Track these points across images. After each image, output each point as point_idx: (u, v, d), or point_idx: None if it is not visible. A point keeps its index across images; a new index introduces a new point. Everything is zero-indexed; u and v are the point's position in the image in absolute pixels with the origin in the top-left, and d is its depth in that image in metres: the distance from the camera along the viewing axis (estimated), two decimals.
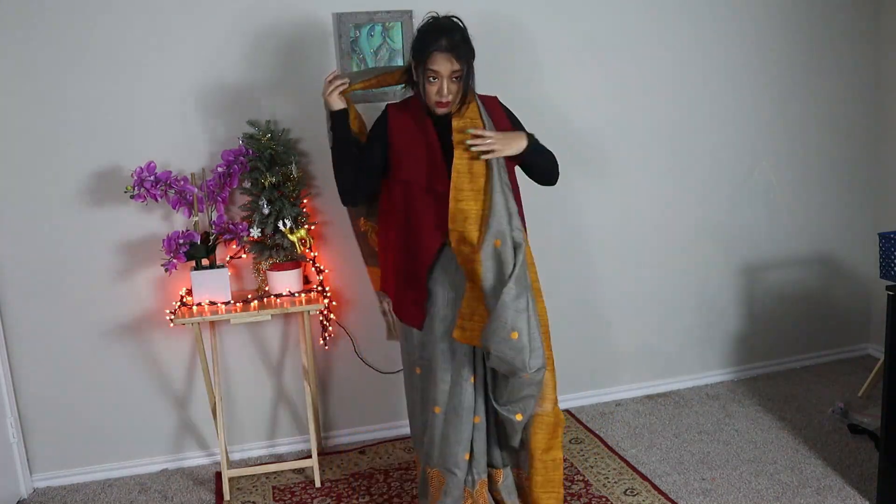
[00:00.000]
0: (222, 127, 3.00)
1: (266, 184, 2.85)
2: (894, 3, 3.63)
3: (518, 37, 3.24)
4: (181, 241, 2.81)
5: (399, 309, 2.47)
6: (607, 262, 3.52)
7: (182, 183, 2.83)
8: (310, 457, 3.03)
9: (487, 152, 2.26)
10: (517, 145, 2.31)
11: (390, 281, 2.49)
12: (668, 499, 2.75)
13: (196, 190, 2.86)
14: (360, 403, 3.32)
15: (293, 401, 3.26)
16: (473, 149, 2.26)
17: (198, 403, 3.18)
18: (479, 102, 2.38)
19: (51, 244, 2.94)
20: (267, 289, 2.99)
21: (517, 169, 2.47)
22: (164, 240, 2.83)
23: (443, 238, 2.35)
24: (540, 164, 2.43)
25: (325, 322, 3.07)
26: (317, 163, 3.10)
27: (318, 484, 2.97)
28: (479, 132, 2.27)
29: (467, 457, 2.44)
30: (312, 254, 3.02)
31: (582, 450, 3.16)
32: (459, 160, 2.29)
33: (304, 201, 3.03)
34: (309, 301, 2.89)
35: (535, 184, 2.55)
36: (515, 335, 2.18)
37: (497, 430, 2.51)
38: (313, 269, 3.03)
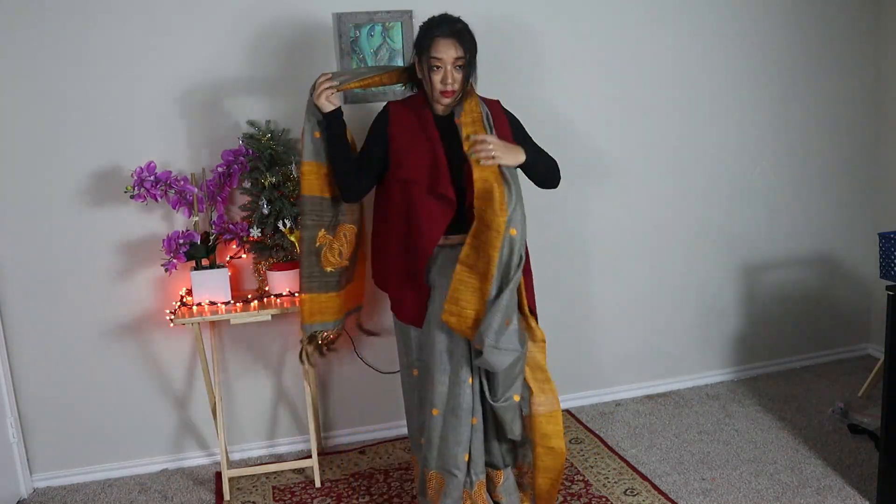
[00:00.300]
0: (222, 127, 3.00)
1: (266, 184, 2.85)
2: (894, 3, 3.63)
3: (518, 37, 3.24)
4: (181, 241, 2.81)
5: (398, 308, 2.48)
6: (607, 262, 3.52)
7: (182, 183, 2.83)
8: (310, 457, 3.03)
9: (488, 158, 2.26)
10: (515, 157, 2.32)
11: (389, 280, 2.50)
12: (668, 499, 2.75)
13: (196, 190, 2.86)
14: (360, 403, 3.32)
15: (293, 401, 3.26)
16: (474, 155, 2.26)
17: (198, 403, 3.18)
18: (482, 104, 2.39)
19: (51, 244, 2.94)
20: (267, 289, 2.99)
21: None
22: (164, 240, 2.83)
23: (441, 238, 2.36)
24: (539, 172, 2.46)
25: None
26: None
27: (318, 484, 2.97)
28: (482, 137, 2.27)
29: (466, 458, 2.43)
30: None
31: (582, 450, 3.16)
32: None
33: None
34: None
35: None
36: (508, 322, 2.29)
37: (496, 428, 2.51)
38: None
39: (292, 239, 2.87)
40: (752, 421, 3.33)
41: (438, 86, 2.28)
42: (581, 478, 2.93)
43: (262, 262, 2.98)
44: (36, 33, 2.80)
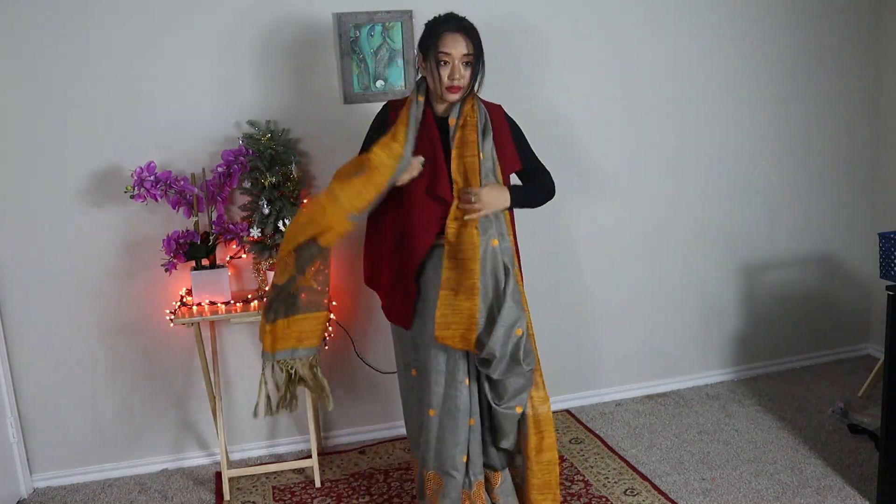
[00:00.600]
0: (222, 127, 3.00)
1: (266, 184, 2.85)
2: (894, 3, 3.63)
3: (518, 37, 3.24)
4: (181, 241, 2.81)
5: (388, 309, 2.47)
6: (607, 262, 3.52)
7: (182, 183, 2.83)
8: (310, 457, 3.03)
9: (472, 212, 2.29)
10: (499, 204, 2.33)
11: (381, 280, 2.49)
12: (668, 499, 2.75)
13: (196, 190, 2.86)
14: (359, 403, 3.32)
15: None
16: (463, 207, 2.29)
17: (198, 403, 3.18)
18: (479, 107, 2.37)
19: (51, 244, 2.94)
20: (267, 289, 2.98)
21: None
22: (164, 240, 2.83)
23: (436, 238, 2.35)
24: (529, 205, 2.47)
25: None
26: (317, 163, 3.10)
27: (318, 484, 2.97)
28: (470, 193, 2.27)
29: (464, 459, 2.43)
30: None
31: (582, 450, 3.16)
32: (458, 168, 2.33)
33: (304, 201, 3.03)
34: None
35: None
36: (519, 332, 2.28)
37: (491, 432, 2.50)
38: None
39: None
40: (752, 421, 3.33)
41: (446, 80, 2.27)
42: (581, 478, 2.93)
43: (262, 262, 2.98)
44: (36, 33, 2.80)
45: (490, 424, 2.47)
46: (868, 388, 3.48)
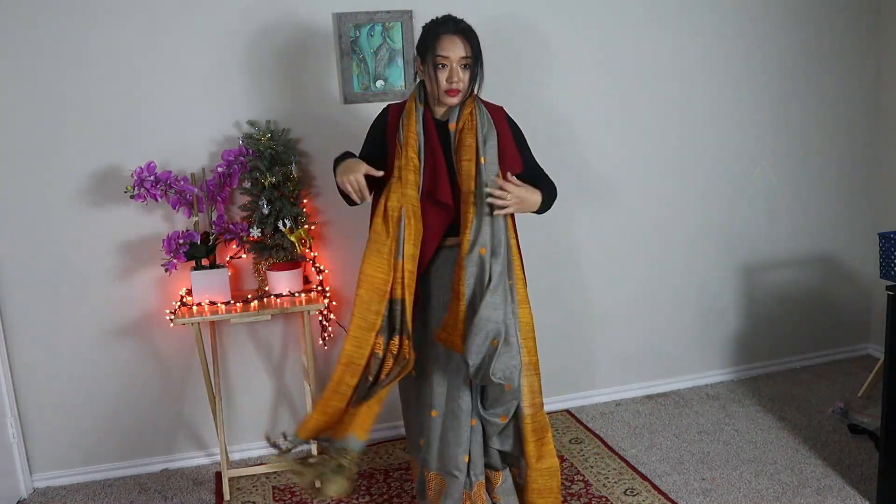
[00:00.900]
0: (222, 127, 3.00)
1: (266, 184, 2.85)
2: (894, 3, 3.63)
3: (518, 38, 3.24)
4: (181, 241, 2.81)
5: None
6: (607, 262, 3.52)
7: (182, 183, 2.83)
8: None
9: (501, 208, 2.26)
10: (529, 208, 2.32)
11: None
12: (668, 499, 2.75)
13: (196, 190, 2.86)
14: None
15: (293, 401, 3.26)
16: (489, 199, 2.25)
17: (198, 403, 3.18)
18: (480, 110, 2.35)
19: (51, 244, 2.95)
20: (267, 289, 2.99)
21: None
22: (164, 240, 2.83)
23: (439, 242, 2.35)
24: (543, 209, 2.44)
25: (324, 322, 3.07)
26: (317, 163, 3.10)
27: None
28: (503, 184, 2.25)
29: (466, 459, 2.43)
30: (312, 254, 3.03)
31: (582, 450, 3.16)
32: (467, 173, 2.30)
33: (304, 201, 3.03)
34: (309, 301, 2.89)
35: None
36: (495, 343, 2.22)
37: (484, 435, 2.50)
38: (313, 269, 3.03)
39: (292, 239, 2.87)
40: (752, 421, 3.33)
41: (444, 84, 2.25)
42: (581, 478, 2.93)
43: (262, 262, 2.98)
44: (36, 33, 2.80)
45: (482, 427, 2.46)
46: (868, 388, 3.48)
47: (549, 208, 2.49)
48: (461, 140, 2.31)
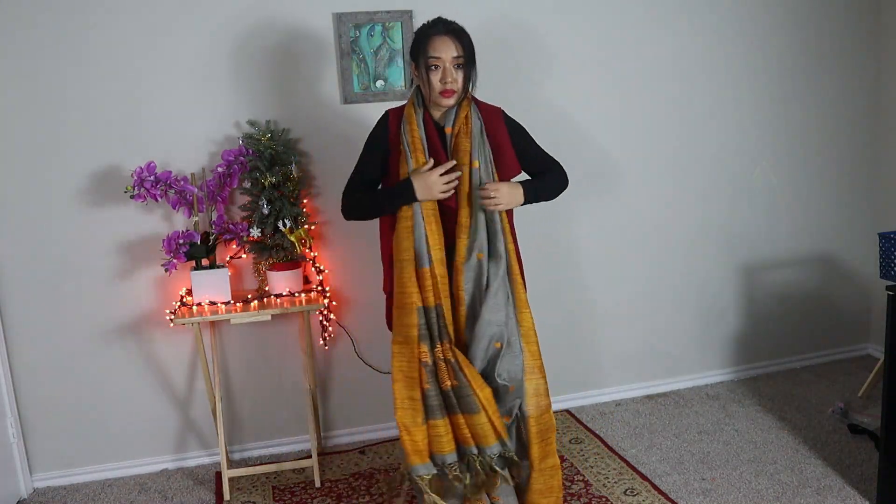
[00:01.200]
0: (222, 127, 3.00)
1: (266, 184, 2.85)
2: (894, 3, 3.63)
3: (517, 38, 3.24)
4: (181, 241, 2.81)
5: (390, 318, 2.44)
6: (607, 262, 3.52)
7: (182, 183, 2.83)
8: (310, 457, 3.03)
9: (493, 206, 2.29)
10: (516, 200, 2.34)
11: (389, 288, 2.46)
12: (668, 499, 2.75)
13: (196, 190, 2.86)
14: (360, 403, 3.32)
15: (293, 401, 3.26)
16: (482, 201, 2.28)
17: (198, 403, 3.18)
18: (476, 114, 2.34)
19: (51, 244, 2.95)
20: (267, 289, 2.99)
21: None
22: (164, 240, 2.83)
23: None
24: (544, 199, 2.46)
25: (324, 322, 3.07)
26: (317, 163, 3.10)
27: (318, 484, 2.97)
28: (491, 187, 2.28)
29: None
30: (312, 254, 3.03)
31: (582, 450, 3.16)
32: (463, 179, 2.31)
33: (304, 201, 3.03)
34: (309, 301, 2.89)
35: None
36: (498, 345, 2.27)
37: None
38: (313, 269, 3.03)
39: (292, 239, 2.87)
40: (752, 421, 3.33)
41: (438, 85, 2.25)
42: (581, 478, 2.93)
43: (262, 262, 2.98)
44: (36, 33, 2.80)
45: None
46: (868, 388, 3.48)
47: (557, 194, 2.50)
48: (457, 144, 2.31)
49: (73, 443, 3.08)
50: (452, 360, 2.25)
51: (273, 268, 2.93)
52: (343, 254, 3.16)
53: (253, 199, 2.92)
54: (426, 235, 2.26)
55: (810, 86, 3.66)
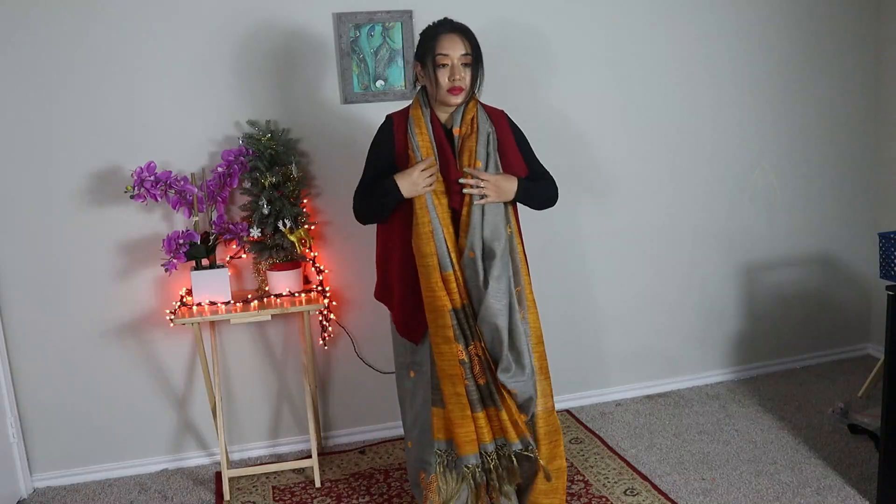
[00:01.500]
0: (222, 127, 3.00)
1: (266, 184, 2.85)
2: (894, 3, 3.63)
3: (518, 39, 3.24)
4: (181, 241, 2.81)
5: (399, 320, 2.43)
6: (608, 262, 3.52)
7: (182, 183, 2.83)
8: (310, 457, 3.04)
9: (479, 195, 2.27)
10: (506, 195, 2.31)
11: (393, 292, 2.44)
12: (668, 499, 2.75)
13: (196, 190, 2.86)
14: (360, 403, 3.32)
15: (293, 401, 3.26)
16: (465, 191, 2.27)
17: (198, 403, 3.18)
18: (482, 115, 2.34)
19: (51, 244, 2.94)
20: (267, 289, 2.99)
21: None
22: (164, 240, 2.83)
23: None
24: (533, 204, 2.44)
25: (324, 322, 3.07)
26: (317, 163, 3.10)
27: (318, 484, 2.97)
28: (476, 173, 2.26)
29: None
30: (312, 254, 3.03)
31: (582, 450, 3.16)
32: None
33: (304, 201, 3.03)
34: (309, 301, 2.89)
35: None
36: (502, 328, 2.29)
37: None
38: (313, 269, 3.03)
39: (292, 239, 2.87)
40: (752, 421, 3.33)
41: (446, 83, 2.24)
42: (581, 478, 2.93)
43: (262, 262, 2.98)
44: (36, 33, 2.80)
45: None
46: (868, 388, 3.48)
47: (548, 205, 2.49)
48: (463, 146, 2.31)
49: (73, 443, 3.08)
50: (483, 357, 2.29)
51: (273, 268, 2.93)
52: (343, 254, 3.16)
53: (253, 199, 2.91)
54: (445, 240, 2.27)
55: (810, 86, 3.66)
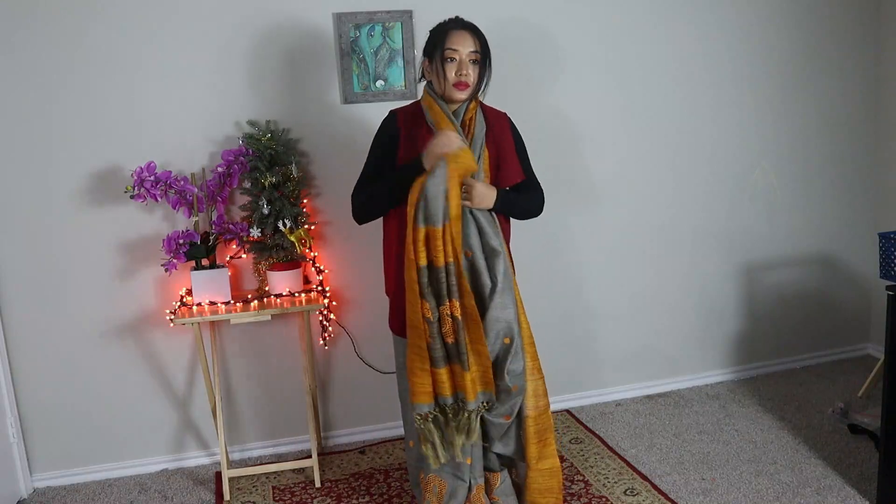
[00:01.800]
0: (222, 127, 3.00)
1: (266, 184, 2.85)
2: (894, 3, 3.63)
3: (520, 40, 3.24)
4: (181, 241, 2.81)
5: (396, 318, 2.44)
6: (608, 262, 3.52)
7: (182, 183, 2.83)
8: (310, 457, 3.04)
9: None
10: (486, 203, 2.30)
11: (392, 288, 2.45)
12: (668, 499, 2.75)
13: (196, 190, 2.86)
14: (360, 403, 3.32)
15: (293, 401, 3.26)
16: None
17: (198, 403, 3.18)
18: (479, 116, 2.35)
19: (51, 244, 2.95)
20: (267, 289, 2.99)
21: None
22: (164, 240, 2.83)
23: None
24: (511, 212, 2.43)
25: (324, 322, 3.07)
26: (317, 163, 3.10)
27: (318, 484, 2.97)
28: (471, 185, 2.27)
29: (469, 462, 2.43)
30: (312, 254, 3.03)
31: (582, 450, 3.16)
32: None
33: (304, 201, 3.03)
34: (309, 301, 2.89)
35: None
36: (508, 341, 2.29)
37: (484, 438, 2.49)
38: (313, 269, 3.03)
39: (292, 239, 2.87)
40: (752, 421, 3.33)
41: (453, 77, 2.26)
42: (581, 478, 2.93)
43: (262, 262, 2.98)
44: (36, 34, 2.80)
45: (483, 430, 2.45)
46: (868, 388, 3.48)
47: (527, 216, 2.49)
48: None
49: (73, 443, 3.08)
50: (459, 318, 2.23)
51: (273, 268, 2.93)
52: (343, 254, 3.16)
53: (253, 199, 2.92)
54: (445, 201, 2.20)
55: (810, 86, 3.66)
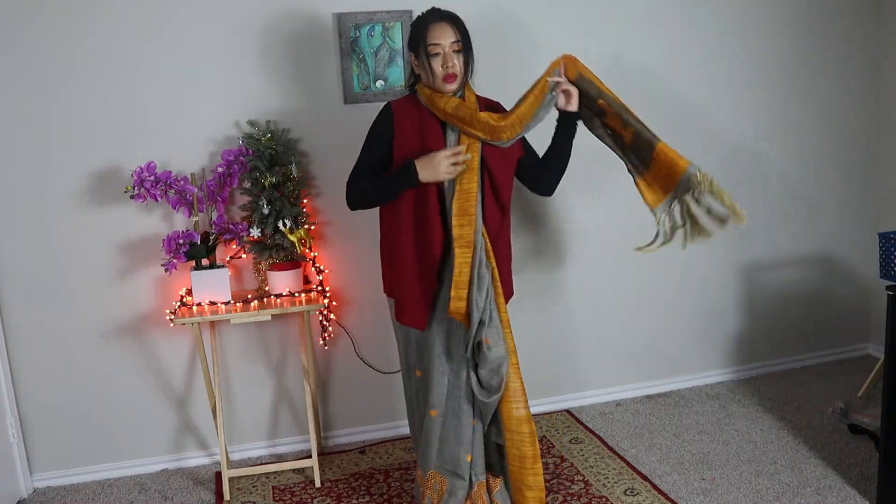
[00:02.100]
0: (222, 127, 3.00)
1: (266, 184, 2.85)
2: (894, 3, 3.63)
3: (512, 32, 3.23)
4: (181, 241, 2.81)
5: (401, 310, 2.44)
6: (608, 262, 3.51)
7: (182, 183, 2.83)
8: (310, 457, 3.03)
9: (567, 102, 2.36)
10: (575, 107, 2.41)
11: (401, 282, 2.43)
12: (668, 499, 2.75)
13: (196, 190, 2.86)
14: (360, 403, 3.32)
15: (293, 401, 3.26)
16: (553, 98, 2.35)
17: (198, 403, 3.18)
18: (478, 99, 2.39)
19: (51, 244, 2.94)
20: (267, 289, 2.99)
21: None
22: (164, 240, 2.83)
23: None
24: (570, 146, 2.54)
25: (324, 322, 3.07)
26: (317, 163, 3.10)
27: (318, 484, 2.97)
28: (565, 82, 2.34)
29: (469, 459, 2.43)
30: (312, 254, 3.03)
31: (582, 450, 3.16)
32: (469, 182, 2.32)
33: (304, 201, 3.03)
34: (309, 301, 2.89)
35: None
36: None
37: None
38: (313, 269, 3.03)
39: (292, 239, 2.87)
40: (752, 421, 3.33)
41: (440, 71, 2.28)
42: (581, 478, 2.93)
43: (262, 262, 2.98)
44: (36, 34, 2.80)
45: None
46: (868, 388, 3.48)
47: (566, 166, 2.62)
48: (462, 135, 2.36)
49: (73, 443, 3.08)
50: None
51: (273, 268, 2.93)
52: (343, 254, 3.16)
53: (253, 199, 2.91)
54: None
55: (810, 86, 3.66)
